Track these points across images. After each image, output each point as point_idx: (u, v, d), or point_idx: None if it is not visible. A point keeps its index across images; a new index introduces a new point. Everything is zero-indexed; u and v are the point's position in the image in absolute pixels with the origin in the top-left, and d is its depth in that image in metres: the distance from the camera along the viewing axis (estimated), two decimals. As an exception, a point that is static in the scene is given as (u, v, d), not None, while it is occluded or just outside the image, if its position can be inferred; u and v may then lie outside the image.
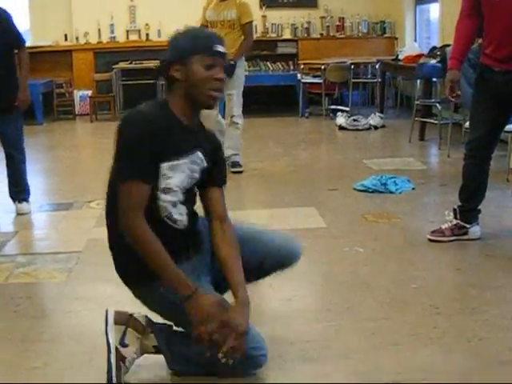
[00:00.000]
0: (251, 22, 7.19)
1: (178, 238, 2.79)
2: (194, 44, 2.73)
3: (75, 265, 4.38)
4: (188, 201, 2.86)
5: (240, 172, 7.08)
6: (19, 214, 5.80)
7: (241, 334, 2.64)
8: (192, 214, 2.91)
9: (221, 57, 2.76)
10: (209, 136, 2.98)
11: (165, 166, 2.70)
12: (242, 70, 7.22)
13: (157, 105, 2.81)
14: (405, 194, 6.03)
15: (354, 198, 5.97)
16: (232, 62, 6.77)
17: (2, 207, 6.01)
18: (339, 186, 6.35)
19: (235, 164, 7.12)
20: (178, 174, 2.74)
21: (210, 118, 6.28)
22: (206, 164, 2.86)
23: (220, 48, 2.75)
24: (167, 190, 2.73)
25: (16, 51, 5.73)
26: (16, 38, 5.72)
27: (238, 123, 7.10)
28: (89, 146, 10.25)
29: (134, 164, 2.64)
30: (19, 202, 5.84)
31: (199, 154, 2.83)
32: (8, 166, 5.87)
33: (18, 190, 5.88)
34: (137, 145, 2.63)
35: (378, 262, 4.35)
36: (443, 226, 4.68)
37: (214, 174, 2.94)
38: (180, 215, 2.81)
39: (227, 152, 6.73)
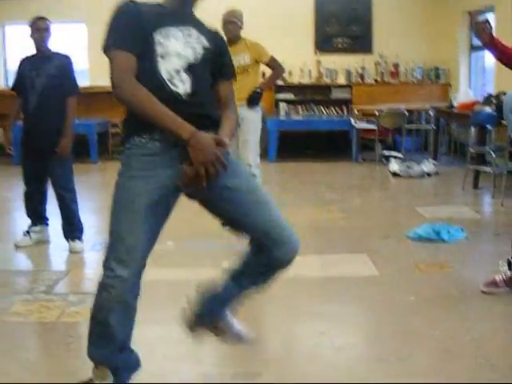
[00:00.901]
0: (272, 56, 6.68)
1: (177, 104, 2.77)
2: None
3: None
4: (197, 78, 2.85)
5: None
6: (72, 252, 5.86)
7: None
8: (201, 94, 2.88)
9: None
10: (209, 28, 3.01)
11: (157, 34, 2.78)
12: (259, 115, 6.71)
13: None
14: (458, 242, 5.95)
15: (407, 245, 5.91)
16: (258, 90, 6.50)
17: (55, 245, 6.09)
18: (392, 233, 6.30)
19: None
20: (173, 40, 2.80)
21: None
22: (208, 44, 2.91)
23: None
24: (165, 55, 2.78)
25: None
26: (71, 86, 5.87)
27: (255, 175, 6.34)
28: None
29: (118, 35, 2.77)
30: (72, 240, 5.91)
31: (193, 29, 2.88)
32: (59, 205, 5.96)
33: (71, 229, 5.96)
34: (121, 19, 2.78)
35: (430, 312, 4.29)
36: (497, 278, 4.60)
37: (221, 67, 3.02)
38: (181, 82, 2.81)
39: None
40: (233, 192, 2.83)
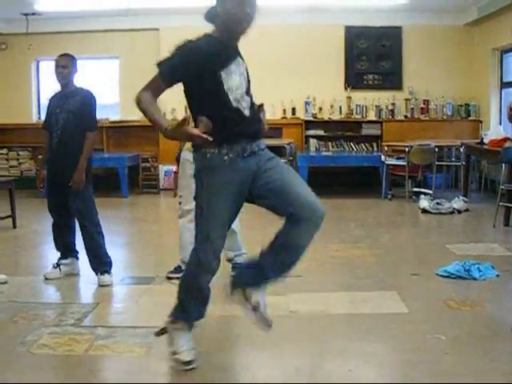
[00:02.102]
0: None
1: (245, 122, 3.70)
2: None
3: (154, 340, 4.38)
4: (250, 99, 3.78)
5: None
6: (101, 285, 5.88)
7: None
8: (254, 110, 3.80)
9: None
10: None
11: (222, 73, 3.62)
12: None
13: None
14: (488, 281, 5.89)
15: (437, 283, 5.86)
16: None
17: (84, 278, 6.11)
18: (421, 270, 6.25)
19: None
20: (233, 76, 3.66)
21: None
22: (246, 68, 3.80)
23: None
24: (231, 90, 3.63)
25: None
26: (89, 123, 5.93)
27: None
28: (171, 220, 10.30)
29: (167, 65, 3.63)
30: (101, 273, 5.94)
31: (239, 58, 3.76)
32: (83, 237, 6.01)
33: (99, 262, 5.99)
34: (177, 55, 3.61)
35: (460, 352, 4.22)
36: (529, 316, 4.55)
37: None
38: (246, 104, 3.73)
39: (229, 254, 5.98)
40: (274, 169, 3.79)
